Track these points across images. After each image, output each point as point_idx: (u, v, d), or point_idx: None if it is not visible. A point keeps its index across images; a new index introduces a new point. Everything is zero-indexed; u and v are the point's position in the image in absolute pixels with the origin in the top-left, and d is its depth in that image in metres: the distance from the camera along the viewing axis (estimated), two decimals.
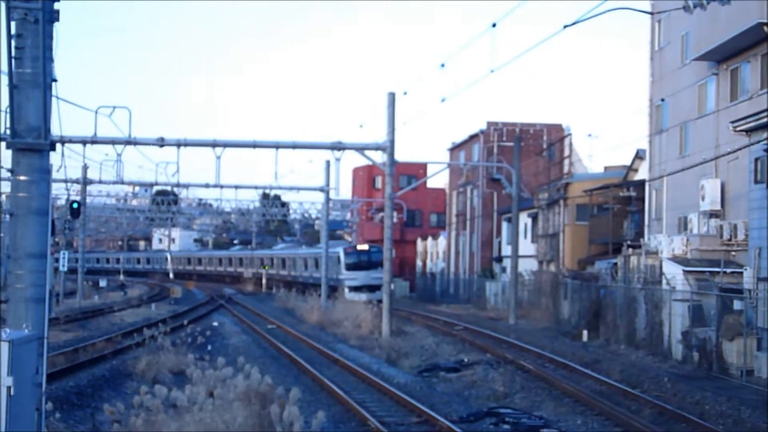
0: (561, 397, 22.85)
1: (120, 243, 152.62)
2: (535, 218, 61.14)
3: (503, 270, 65.58)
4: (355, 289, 64.00)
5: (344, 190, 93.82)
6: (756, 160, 28.36)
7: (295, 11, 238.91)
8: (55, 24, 11.66)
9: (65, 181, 54.44)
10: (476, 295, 66.68)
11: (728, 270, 30.28)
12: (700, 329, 29.13)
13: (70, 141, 34.31)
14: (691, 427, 18.96)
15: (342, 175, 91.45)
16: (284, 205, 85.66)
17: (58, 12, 11.64)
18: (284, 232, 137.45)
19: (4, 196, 39.11)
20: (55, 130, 12.10)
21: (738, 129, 30.41)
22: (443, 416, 19.37)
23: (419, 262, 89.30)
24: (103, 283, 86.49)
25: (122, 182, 49.43)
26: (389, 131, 38.94)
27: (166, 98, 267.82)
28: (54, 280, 48.35)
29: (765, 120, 28.30)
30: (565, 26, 20.00)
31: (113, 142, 35.39)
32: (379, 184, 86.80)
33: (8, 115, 11.50)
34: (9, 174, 11.83)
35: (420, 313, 53.06)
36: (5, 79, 11.47)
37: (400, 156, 47.22)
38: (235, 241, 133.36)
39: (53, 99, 11.78)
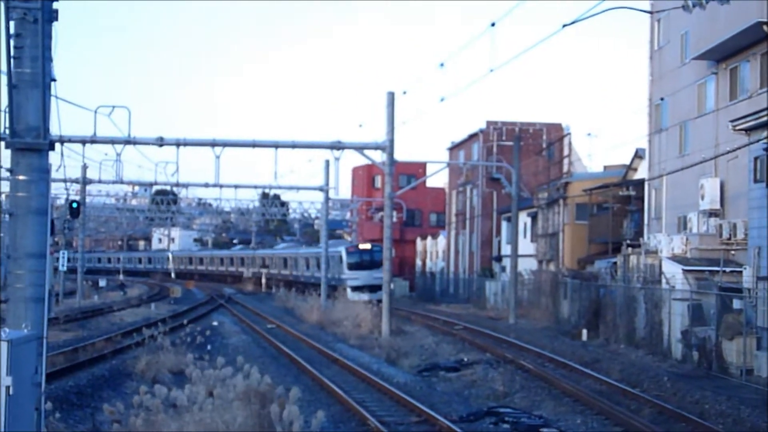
0: (561, 396, 22.85)
1: (119, 243, 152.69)
2: (534, 218, 61.11)
3: (503, 269, 65.55)
4: (358, 288, 63.52)
5: (344, 190, 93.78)
6: (755, 159, 28.32)
7: (295, 11, 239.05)
8: (55, 24, 11.67)
9: (65, 180, 54.40)
10: (476, 295, 66.65)
11: (728, 269, 30.26)
12: (699, 328, 29.13)
13: (70, 141, 34.31)
14: (690, 427, 18.96)
15: (341, 175, 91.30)
16: (284, 204, 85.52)
17: (57, 12, 11.64)
18: (284, 231, 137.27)
19: (3, 196, 39.14)
20: (55, 130, 12.10)
21: (737, 128, 30.39)
22: (443, 416, 19.37)
23: (419, 262, 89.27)
24: (102, 282, 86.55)
25: (122, 182, 49.49)
26: (389, 131, 38.94)
27: (166, 98, 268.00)
28: (53, 280, 48.37)
29: (764, 119, 28.28)
30: (564, 26, 20.07)
31: (113, 141, 35.43)
32: (378, 183, 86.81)
33: (7, 115, 11.50)
34: (8, 174, 11.82)
35: (420, 313, 53.06)
36: (4, 79, 11.49)
37: (400, 155, 47.32)
38: (235, 241, 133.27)
39: (52, 99, 11.79)
